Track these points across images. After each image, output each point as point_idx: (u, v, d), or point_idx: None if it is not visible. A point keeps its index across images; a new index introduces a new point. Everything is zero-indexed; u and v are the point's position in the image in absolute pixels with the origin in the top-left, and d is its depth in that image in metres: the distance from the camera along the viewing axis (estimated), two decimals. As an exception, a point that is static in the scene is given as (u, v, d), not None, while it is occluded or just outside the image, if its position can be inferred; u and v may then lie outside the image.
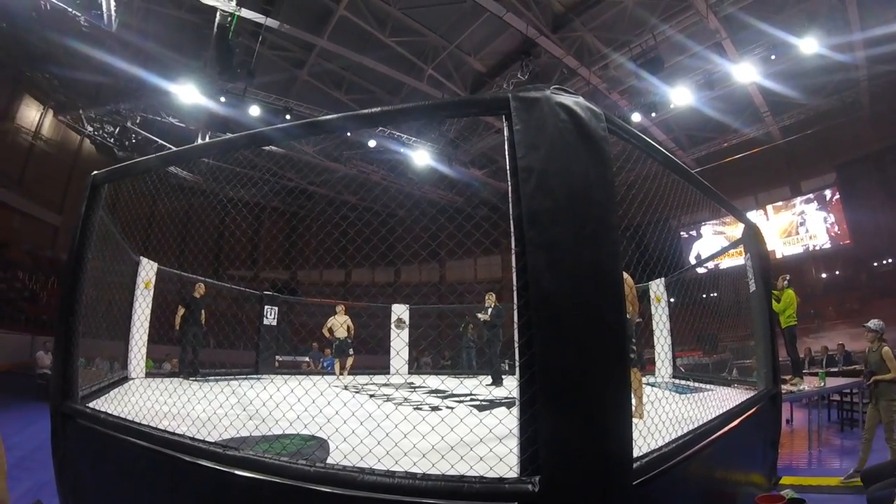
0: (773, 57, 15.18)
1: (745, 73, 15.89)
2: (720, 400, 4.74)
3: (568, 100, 2.29)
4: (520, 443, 2.08)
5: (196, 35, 16.34)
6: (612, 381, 2.12)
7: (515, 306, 2.07)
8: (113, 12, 14.29)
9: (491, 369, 10.04)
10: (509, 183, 2.17)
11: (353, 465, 2.41)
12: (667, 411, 3.62)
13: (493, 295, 10.27)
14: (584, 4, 15.31)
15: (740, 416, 4.18)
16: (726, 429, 3.64)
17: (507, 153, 2.22)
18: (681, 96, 17.01)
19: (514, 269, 2.09)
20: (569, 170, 2.17)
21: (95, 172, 3.97)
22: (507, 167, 2.20)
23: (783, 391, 6.18)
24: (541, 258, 2.04)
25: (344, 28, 15.77)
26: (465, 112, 3.16)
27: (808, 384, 8.82)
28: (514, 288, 2.07)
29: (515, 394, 2.12)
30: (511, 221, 2.13)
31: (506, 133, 2.25)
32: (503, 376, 9.74)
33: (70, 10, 13.52)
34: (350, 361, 11.24)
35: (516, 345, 2.10)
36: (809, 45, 14.37)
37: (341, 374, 10.91)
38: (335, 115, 3.19)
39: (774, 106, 19.01)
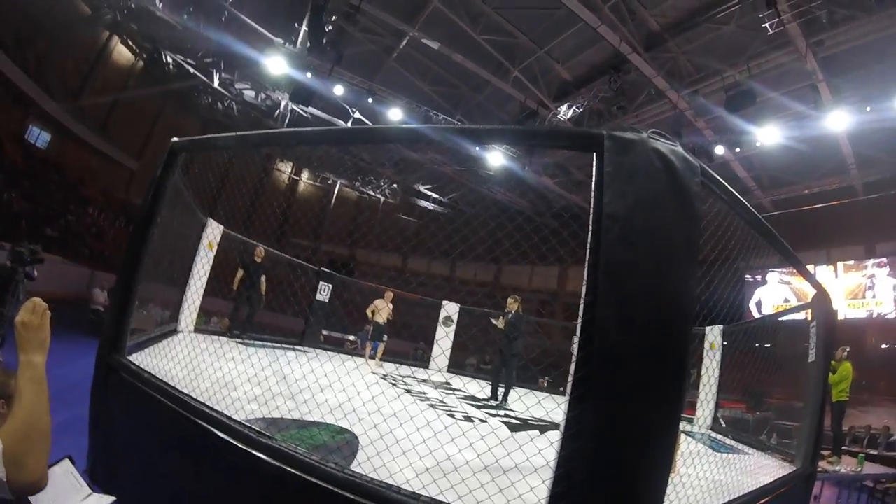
0: (868, 108, 14.41)
1: (838, 120, 15.08)
2: (755, 468, 4.56)
3: (664, 147, 2.17)
4: (553, 477, 2.00)
5: (291, 8, 16.68)
6: (660, 447, 2.03)
7: (574, 358, 1.98)
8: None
9: (498, 382, 8.87)
10: (591, 227, 2.07)
11: (380, 480, 2.39)
12: (699, 473, 3.49)
13: (518, 300, 8.97)
14: (681, 26, 14.85)
15: (772, 493, 3.98)
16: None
17: (593, 194, 2.12)
18: (768, 135, 16.35)
19: (579, 321, 2.00)
20: (656, 224, 2.06)
21: (175, 139, 4.05)
22: (591, 209, 2.10)
23: (818, 468, 5.87)
24: (612, 313, 1.94)
25: (436, 19, 15.81)
26: (554, 143, 3.10)
27: (845, 465, 8.40)
28: (577, 339, 1.99)
29: (552, 416, 2.05)
30: (585, 269, 2.04)
31: (594, 174, 2.14)
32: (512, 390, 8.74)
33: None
34: (381, 349, 11.21)
35: (568, 388, 2.02)
36: (905, 99, 13.59)
37: (372, 358, 10.95)
38: (426, 125, 3.17)
39: (862, 159, 18.04)
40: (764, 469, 4.80)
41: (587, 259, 2.04)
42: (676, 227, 2.09)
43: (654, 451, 2.01)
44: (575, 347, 2.02)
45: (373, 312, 10.88)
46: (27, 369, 1.55)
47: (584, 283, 2.02)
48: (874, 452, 11.30)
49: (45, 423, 1.51)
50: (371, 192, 31.44)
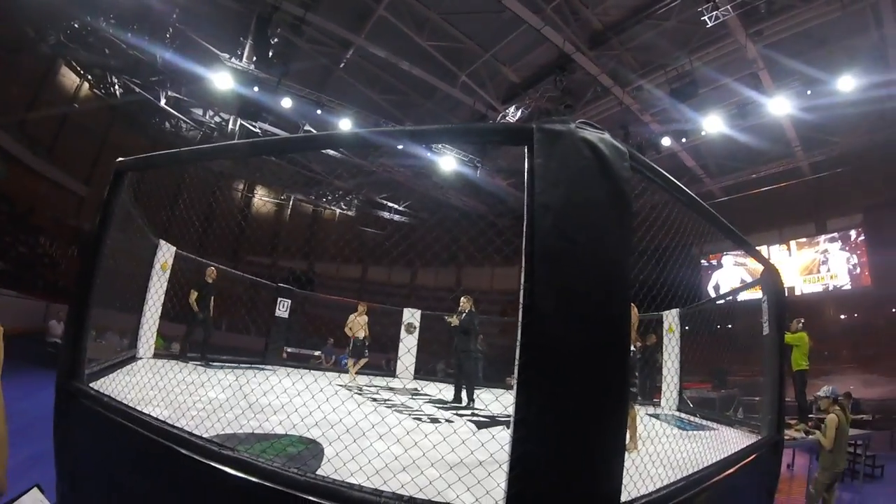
0: (808, 92, 14.99)
1: (780, 105, 15.68)
2: (721, 442, 4.69)
3: (593, 135, 2.25)
4: (508, 478, 2.06)
5: (236, 22, 16.53)
6: (608, 430, 2.08)
7: (518, 344, 2.05)
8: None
9: (460, 382, 8.99)
10: (525, 216, 2.14)
11: (342, 480, 2.41)
12: (665, 449, 3.59)
13: (470, 299, 9.15)
14: (623, 24, 15.24)
15: (738, 463, 4.10)
16: (722, 476, 3.58)
17: (525, 186, 2.18)
18: (713, 124, 16.87)
19: (520, 306, 2.07)
20: (588, 211, 2.13)
21: (120, 159, 4.00)
22: (525, 200, 2.16)
23: (786, 437, 6.10)
24: (549, 299, 2.01)
25: (383, 28, 15.88)
26: (488, 139, 3.16)
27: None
28: (519, 325, 2.05)
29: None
30: (522, 257, 2.11)
31: (526, 165, 2.20)
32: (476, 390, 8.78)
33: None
34: (362, 363, 11.13)
35: (514, 382, 2.08)
36: (847, 82, 14.17)
37: (346, 373, 10.87)
38: (364, 130, 3.20)
39: (806, 141, 18.80)
40: (730, 442, 4.94)
41: (523, 248, 2.11)
42: (608, 211, 2.17)
43: (603, 427, 2.08)
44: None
45: (350, 329, 10.82)
46: None
47: (523, 269, 2.09)
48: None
49: (1, 431, 1.52)
50: (327, 206, 31.30)
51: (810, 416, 9.98)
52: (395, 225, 30.67)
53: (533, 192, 2.14)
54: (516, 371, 2.05)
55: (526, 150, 2.26)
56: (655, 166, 2.75)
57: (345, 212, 31.57)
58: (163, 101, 21.07)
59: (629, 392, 2.30)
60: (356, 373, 11.03)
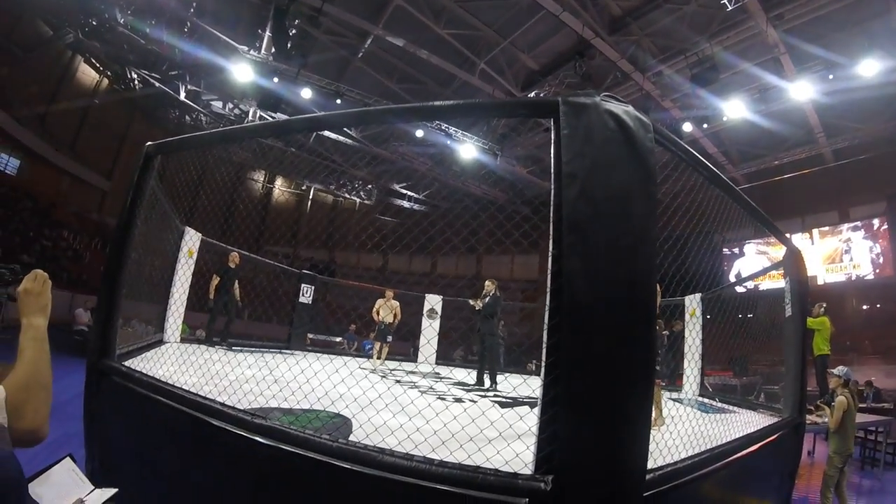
0: (830, 77, 14.73)
1: (802, 90, 15.45)
2: (743, 423, 4.69)
3: (617, 108, 2.29)
4: (537, 441, 2.11)
5: (253, 14, 16.64)
6: (635, 392, 2.14)
7: (547, 309, 2.10)
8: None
9: (483, 365, 9.02)
10: (552, 187, 2.19)
11: (373, 445, 2.47)
12: (687, 428, 3.62)
13: (494, 283, 9.09)
14: (643, 9, 15.11)
15: (760, 441, 4.11)
16: (744, 452, 3.59)
17: (552, 157, 2.23)
18: (734, 109, 16.69)
19: (549, 272, 2.11)
20: (613, 180, 2.18)
21: (149, 143, 4.09)
22: (552, 171, 2.22)
23: (807, 421, 6.08)
24: (577, 264, 2.06)
25: (400, 17, 15.92)
26: (514, 113, 3.19)
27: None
28: (548, 290, 2.10)
29: (538, 393, 2.15)
30: (550, 225, 2.15)
31: (553, 137, 2.26)
32: (498, 375, 8.75)
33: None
34: (387, 349, 11.19)
35: (544, 346, 2.13)
36: (869, 66, 13.89)
37: (379, 358, 10.93)
38: (386, 107, 3.25)
39: (829, 128, 18.47)
40: (753, 423, 4.94)
41: (551, 217, 2.15)
42: (633, 182, 2.21)
43: (630, 397, 2.12)
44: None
45: (377, 313, 10.89)
46: (29, 330, 1.67)
47: (551, 237, 2.13)
48: (863, 405, 11.59)
49: (45, 376, 1.60)
50: (346, 195, 31.43)
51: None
52: (414, 214, 30.72)
53: (560, 163, 2.20)
54: (545, 333, 2.10)
55: (552, 123, 2.31)
56: (678, 140, 2.77)
57: (363, 201, 31.67)
58: (182, 95, 21.27)
59: (654, 357, 2.33)
60: (385, 358, 11.12)
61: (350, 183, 30.09)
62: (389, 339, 11.08)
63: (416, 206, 30.73)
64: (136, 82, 22.17)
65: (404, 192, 29.55)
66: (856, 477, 8.87)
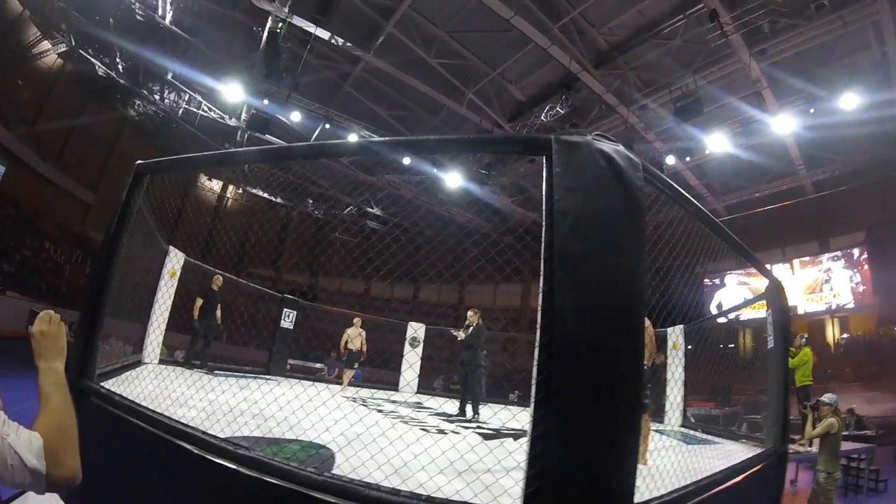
0: (811, 110, 15.04)
1: (783, 124, 15.73)
2: (726, 454, 4.71)
3: (608, 147, 2.34)
4: (526, 477, 2.09)
5: (246, 36, 16.74)
6: (624, 427, 2.14)
7: (538, 344, 2.10)
8: (168, 4, 14.77)
9: (466, 395, 8.81)
10: (543, 223, 2.22)
11: (359, 479, 2.44)
12: (672, 460, 3.62)
13: (478, 312, 9.03)
14: (629, 44, 15.40)
15: (745, 471, 4.13)
16: (728, 484, 3.61)
17: (544, 194, 2.27)
18: (716, 143, 16.94)
19: (539, 308, 2.13)
20: (604, 216, 2.22)
21: (140, 162, 4.07)
22: (544, 207, 2.25)
23: (790, 451, 6.12)
24: (568, 299, 2.08)
25: (391, 45, 16.05)
26: (507, 149, 3.24)
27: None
28: (538, 326, 2.11)
29: (523, 426, 2.14)
30: (542, 262, 2.17)
31: (545, 174, 2.30)
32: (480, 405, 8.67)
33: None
34: (349, 374, 11.37)
35: (534, 382, 2.13)
36: (849, 100, 14.20)
37: (344, 385, 11.12)
38: (387, 139, 3.28)
39: (810, 159, 18.82)
40: (736, 454, 4.96)
41: (542, 252, 2.17)
42: (623, 218, 2.25)
43: (619, 418, 2.13)
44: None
45: (346, 342, 11.11)
46: (50, 374, 1.64)
47: (542, 273, 2.15)
48: (846, 433, 11.67)
49: (74, 421, 1.58)
50: (331, 220, 31.20)
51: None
52: (396, 239, 30.47)
53: (551, 199, 2.23)
54: (535, 369, 2.10)
55: (544, 160, 2.35)
56: (666, 178, 2.83)
57: (346, 226, 31.45)
58: (171, 110, 21.24)
59: (643, 392, 2.34)
60: (349, 385, 11.28)
61: (336, 208, 29.71)
62: (356, 366, 11.34)
63: (398, 232, 30.44)
64: (127, 97, 22.18)
65: (387, 217, 29.13)
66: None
